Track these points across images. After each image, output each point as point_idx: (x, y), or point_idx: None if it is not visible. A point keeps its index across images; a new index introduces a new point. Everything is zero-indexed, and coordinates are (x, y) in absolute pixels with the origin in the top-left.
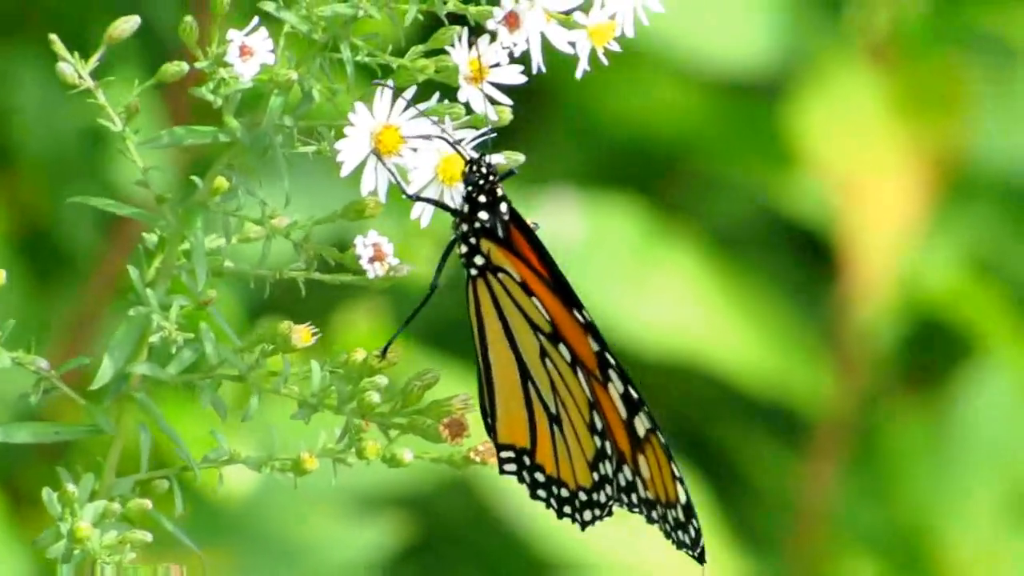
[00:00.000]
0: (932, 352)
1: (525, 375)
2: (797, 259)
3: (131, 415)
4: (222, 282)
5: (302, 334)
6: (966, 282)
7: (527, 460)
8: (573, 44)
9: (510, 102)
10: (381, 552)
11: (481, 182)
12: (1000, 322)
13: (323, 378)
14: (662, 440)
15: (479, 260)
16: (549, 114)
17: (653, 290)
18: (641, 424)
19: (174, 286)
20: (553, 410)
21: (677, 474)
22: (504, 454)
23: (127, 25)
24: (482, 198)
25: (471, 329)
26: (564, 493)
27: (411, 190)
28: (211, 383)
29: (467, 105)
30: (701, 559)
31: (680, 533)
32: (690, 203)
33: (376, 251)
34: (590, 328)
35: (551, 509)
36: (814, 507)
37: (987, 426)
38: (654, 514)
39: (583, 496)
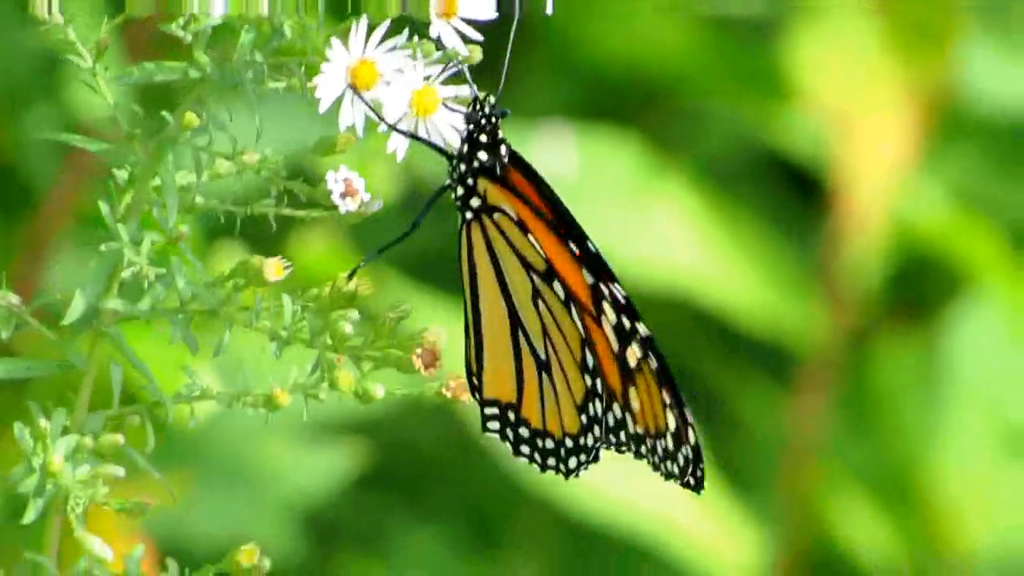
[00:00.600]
0: (922, 288)
1: (515, 324)
2: (789, 194)
3: (102, 350)
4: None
5: (274, 268)
6: (956, 218)
7: (511, 415)
8: None
9: (480, 37)
10: (341, 477)
11: (483, 122)
12: (989, 258)
13: (295, 312)
14: (653, 366)
15: (475, 202)
16: (533, 47)
17: (647, 225)
18: (633, 354)
19: (145, 221)
20: (543, 356)
21: (667, 401)
22: (488, 410)
23: None
24: (483, 138)
25: (461, 277)
26: (549, 445)
27: (383, 127)
28: (183, 318)
29: (439, 40)
30: (698, 488)
31: (669, 463)
32: (682, 137)
33: (347, 186)
34: (595, 259)
35: (534, 464)
36: (804, 442)
37: (976, 360)
38: (643, 448)
39: (569, 443)
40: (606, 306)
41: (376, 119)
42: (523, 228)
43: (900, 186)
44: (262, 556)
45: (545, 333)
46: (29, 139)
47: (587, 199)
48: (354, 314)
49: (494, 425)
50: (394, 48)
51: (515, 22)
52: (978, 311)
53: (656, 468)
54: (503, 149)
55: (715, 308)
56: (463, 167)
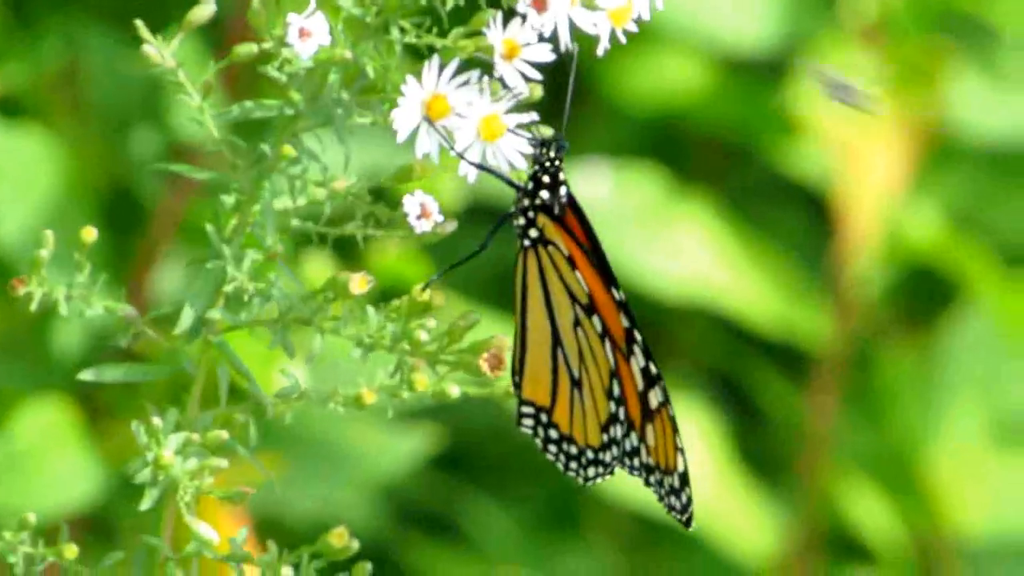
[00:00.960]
0: (920, 298)
1: (556, 341)
2: (801, 217)
3: (210, 356)
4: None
5: (359, 282)
6: (948, 234)
7: (544, 417)
8: (596, 25)
9: (540, 77)
10: (418, 460)
11: (547, 163)
12: (980, 269)
13: (378, 321)
14: (671, 412)
15: (533, 233)
16: (582, 94)
17: (672, 244)
18: (655, 397)
19: (247, 241)
20: (576, 375)
21: (679, 445)
22: (524, 408)
23: (205, 12)
24: (546, 178)
25: (514, 293)
26: (573, 450)
27: (456, 151)
28: (280, 327)
29: (502, 80)
30: (688, 524)
31: (672, 498)
32: (705, 169)
33: (423, 209)
34: (623, 306)
35: (558, 463)
36: (817, 435)
37: (970, 361)
38: (652, 478)
39: (590, 454)
40: (636, 349)
41: (448, 147)
42: (572, 264)
43: (897, 207)
44: (351, 538)
45: (580, 356)
46: (138, 161)
47: (619, 224)
48: (431, 322)
49: (528, 422)
50: (464, 84)
51: (573, 65)
52: (971, 317)
53: (660, 499)
54: (563, 190)
55: (734, 316)
56: (526, 201)
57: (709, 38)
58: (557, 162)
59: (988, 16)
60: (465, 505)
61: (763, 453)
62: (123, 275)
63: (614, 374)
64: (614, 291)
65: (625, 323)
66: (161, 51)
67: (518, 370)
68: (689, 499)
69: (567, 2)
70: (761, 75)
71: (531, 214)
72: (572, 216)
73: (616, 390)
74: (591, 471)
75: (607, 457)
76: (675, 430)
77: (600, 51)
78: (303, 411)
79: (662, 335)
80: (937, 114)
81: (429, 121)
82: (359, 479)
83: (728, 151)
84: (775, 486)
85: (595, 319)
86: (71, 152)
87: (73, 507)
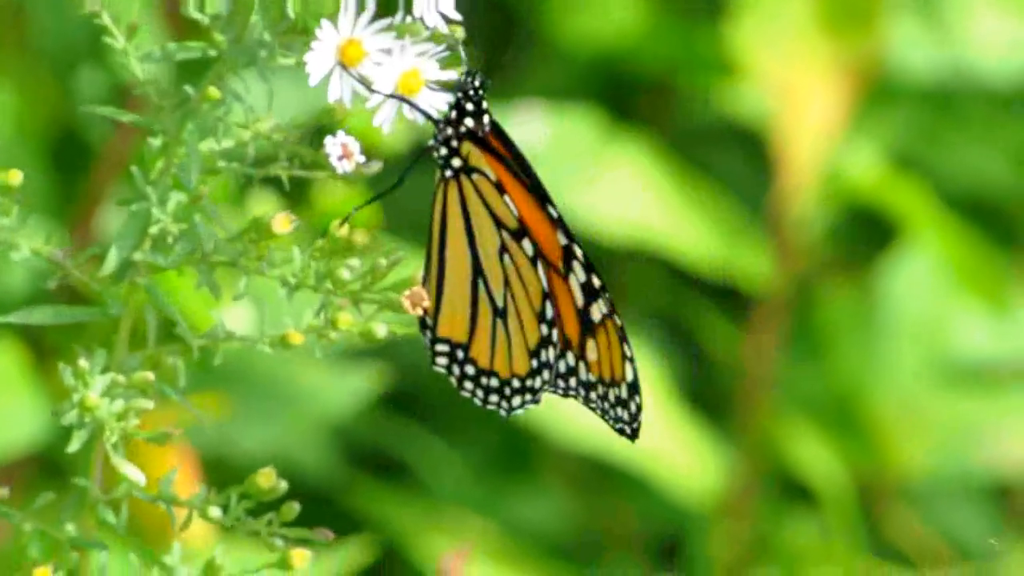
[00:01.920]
0: (860, 238)
1: (477, 272)
2: (741, 159)
3: (139, 298)
4: (216, 178)
5: (282, 221)
6: (887, 175)
7: (460, 354)
8: None
9: (460, 18)
10: (365, 399)
11: (471, 91)
12: (920, 209)
13: (302, 260)
14: (618, 323)
15: (456, 163)
16: (519, 36)
17: (611, 185)
18: (598, 310)
19: (173, 184)
20: (500, 305)
21: (628, 354)
22: (439, 347)
23: None
24: (469, 106)
25: (430, 228)
26: (493, 383)
27: (371, 102)
28: (205, 268)
29: (423, 20)
30: (634, 435)
31: (619, 409)
32: (645, 111)
33: (344, 149)
34: (559, 223)
35: (476, 399)
36: (759, 375)
37: (909, 301)
38: (593, 394)
39: (516, 383)
40: (576, 265)
41: (364, 93)
42: (500, 190)
43: (837, 148)
44: (278, 479)
45: (507, 284)
46: (83, 103)
47: (554, 165)
48: (354, 261)
49: (442, 361)
50: (381, 29)
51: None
52: (909, 257)
53: (604, 413)
54: (487, 118)
55: (675, 258)
56: (449, 130)
57: None
58: (481, 90)
59: None
60: (415, 447)
61: (706, 394)
62: (70, 217)
63: (547, 295)
64: (550, 209)
65: (563, 240)
66: None
67: (432, 309)
68: (638, 408)
69: None
70: (699, 15)
71: (454, 143)
72: (497, 141)
73: (549, 312)
74: (516, 400)
75: (536, 383)
76: (623, 339)
77: None
78: (248, 352)
79: (603, 278)
80: (875, 54)
81: (343, 67)
82: (306, 419)
83: (668, 93)
84: (719, 427)
85: (526, 243)
86: (17, 93)
87: (21, 447)
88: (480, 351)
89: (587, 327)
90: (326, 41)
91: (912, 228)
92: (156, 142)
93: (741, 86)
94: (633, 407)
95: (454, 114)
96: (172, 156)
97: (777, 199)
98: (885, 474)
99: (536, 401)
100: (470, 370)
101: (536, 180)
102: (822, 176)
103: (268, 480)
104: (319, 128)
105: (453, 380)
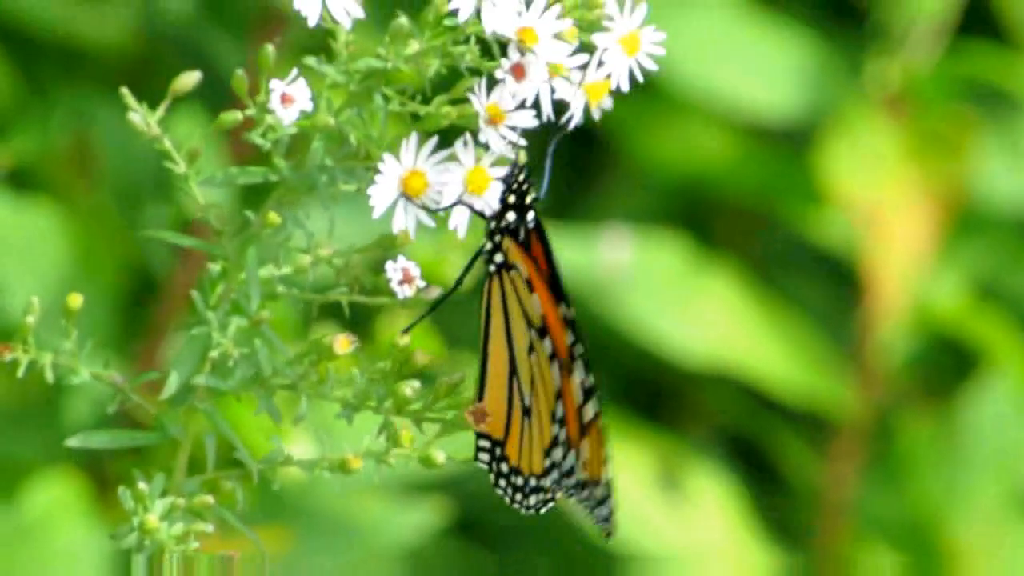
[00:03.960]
0: (942, 366)
1: (512, 371)
2: (826, 286)
3: (198, 422)
4: (277, 303)
5: (342, 343)
6: (971, 304)
7: (498, 451)
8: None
9: (524, 142)
10: (426, 532)
11: (515, 187)
12: (1002, 339)
13: (363, 382)
14: (601, 423)
15: (499, 258)
16: (608, 161)
17: (697, 311)
18: (590, 409)
19: (233, 308)
20: (527, 403)
21: (606, 456)
22: (482, 443)
23: (189, 80)
24: (512, 199)
25: (481, 322)
26: (519, 482)
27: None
28: (265, 392)
29: (487, 146)
30: (610, 534)
31: (600, 508)
32: (730, 237)
33: (405, 274)
34: (570, 323)
35: (505, 497)
36: (838, 503)
37: (991, 431)
38: (583, 494)
39: (532, 483)
40: (579, 364)
41: (429, 223)
42: (529, 287)
43: (921, 276)
44: None
45: (532, 382)
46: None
47: (644, 290)
48: (415, 382)
49: (484, 457)
50: (443, 161)
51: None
52: (992, 387)
53: (590, 511)
54: (530, 215)
55: (757, 383)
56: (492, 224)
57: (735, 106)
58: (525, 186)
59: (1011, 86)
60: (478, 572)
61: (784, 520)
62: (135, 347)
63: (559, 395)
64: (563, 308)
65: (571, 338)
66: (146, 119)
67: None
68: (612, 510)
69: (545, 72)
70: (786, 143)
71: (497, 238)
72: (535, 241)
73: (559, 412)
74: (532, 499)
75: (548, 483)
76: (604, 440)
77: (571, 125)
78: (311, 485)
79: (684, 401)
80: (961, 184)
81: (407, 197)
82: (369, 551)
83: (753, 219)
84: (795, 553)
85: (547, 341)
86: (82, 224)
87: None
88: (512, 448)
89: (582, 427)
90: (389, 173)
91: (994, 357)
92: (216, 267)
93: (828, 213)
94: (607, 509)
95: (499, 208)
96: (232, 281)
97: (861, 326)
98: None
99: (550, 501)
100: (504, 467)
101: (557, 279)
102: (907, 304)
103: None
104: (381, 255)
105: (491, 477)
